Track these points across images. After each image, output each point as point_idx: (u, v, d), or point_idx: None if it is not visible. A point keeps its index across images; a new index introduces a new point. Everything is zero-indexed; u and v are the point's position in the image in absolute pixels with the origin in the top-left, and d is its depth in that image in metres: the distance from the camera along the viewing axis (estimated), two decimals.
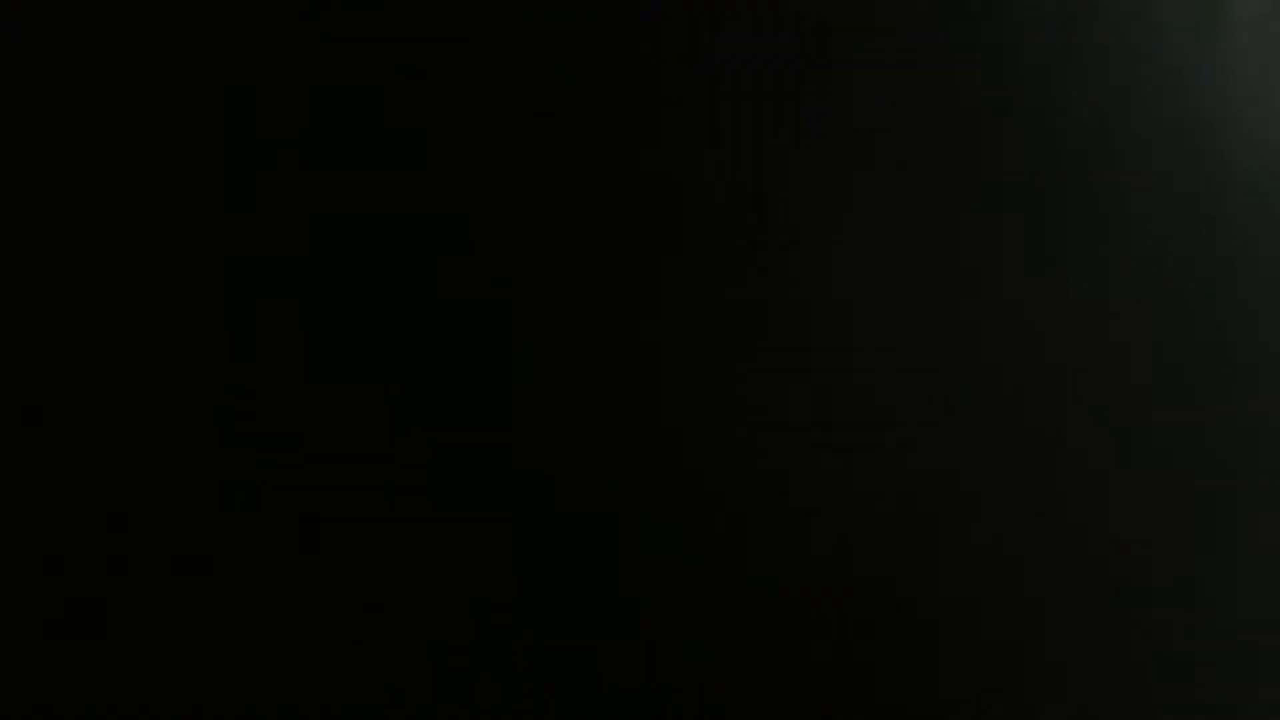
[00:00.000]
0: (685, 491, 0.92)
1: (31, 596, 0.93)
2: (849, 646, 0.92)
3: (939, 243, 0.97)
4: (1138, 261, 0.98)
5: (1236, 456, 0.96)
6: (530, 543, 0.91)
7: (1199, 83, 1.00)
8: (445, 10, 0.93)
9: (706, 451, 0.93)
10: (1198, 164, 1.00)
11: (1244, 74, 1.01)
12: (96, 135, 0.94)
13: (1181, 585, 0.94)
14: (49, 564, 0.93)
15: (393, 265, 0.92)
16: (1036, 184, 0.98)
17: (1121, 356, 0.97)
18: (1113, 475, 0.95)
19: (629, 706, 0.91)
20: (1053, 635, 0.93)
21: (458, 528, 0.92)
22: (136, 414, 0.93)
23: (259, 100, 0.94)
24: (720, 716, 0.91)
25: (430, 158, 0.94)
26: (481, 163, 0.94)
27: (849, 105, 0.98)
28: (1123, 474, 0.95)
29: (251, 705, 0.91)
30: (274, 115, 0.93)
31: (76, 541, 0.93)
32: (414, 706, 0.91)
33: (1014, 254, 0.97)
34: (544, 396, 0.92)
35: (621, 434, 0.92)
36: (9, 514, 0.94)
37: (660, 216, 0.94)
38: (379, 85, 0.93)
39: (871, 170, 0.97)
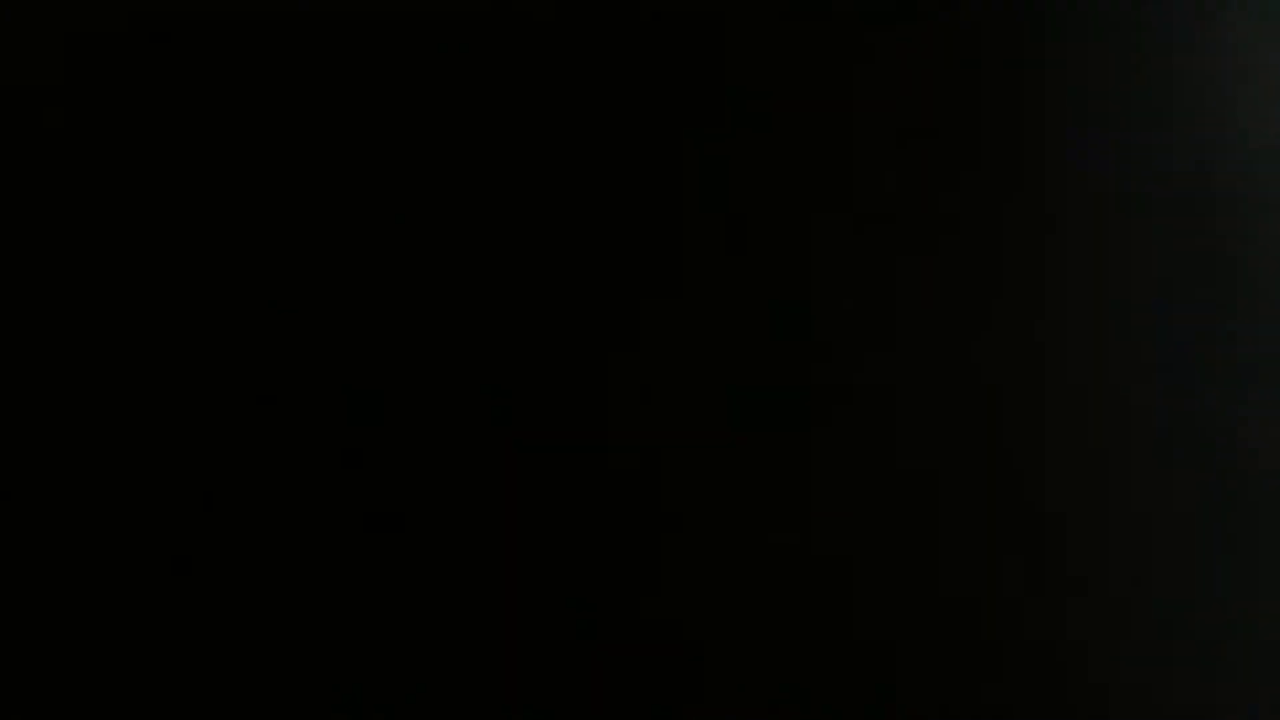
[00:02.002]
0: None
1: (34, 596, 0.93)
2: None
3: (942, 247, 0.97)
4: (1139, 267, 0.98)
5: (1237, 456, 0.95)
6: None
7: (1201, 86, 1.00)
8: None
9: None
10: (1198, 168, 0.99)
11: (1245, 77, 1.00)
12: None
13: (1184, 585, 0.94)
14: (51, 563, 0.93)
15: None
16: (1040, 187, 0.98)
17: (1123, 360, 0.96)
18: (1115, 474, 0.95)
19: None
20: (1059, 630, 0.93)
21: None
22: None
23: None
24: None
25: None
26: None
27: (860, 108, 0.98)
28: (1123, 473, 0.95)
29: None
30: None
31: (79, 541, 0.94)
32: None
33: (1016, 255, 0.97)
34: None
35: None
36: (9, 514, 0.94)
37: None
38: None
39: (879, 175, 0.98)
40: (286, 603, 0.93)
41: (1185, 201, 0.99)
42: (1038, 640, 0.93)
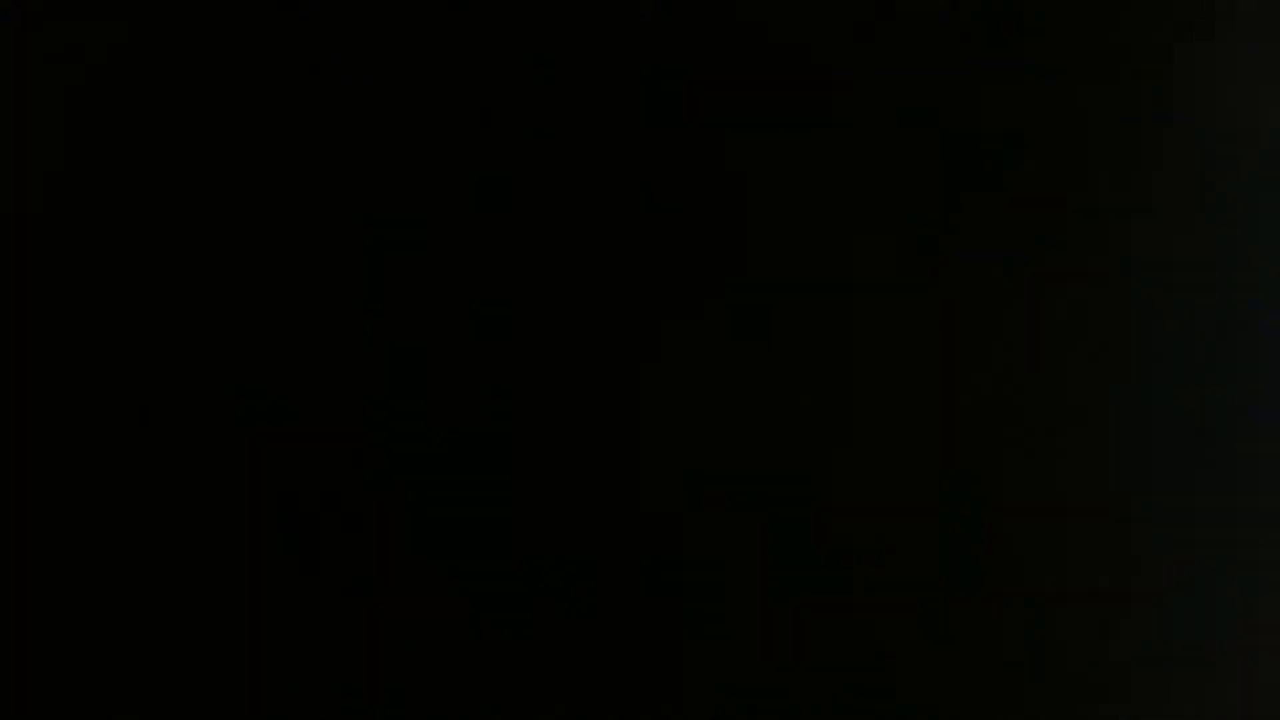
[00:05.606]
0: None
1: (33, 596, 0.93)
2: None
3: (944, 250, 0.97)
4: (1141, 267, 0.98)
5: (1239, 459, 0.96)
6: None
7: (1201, 90, 1.00)
8: None
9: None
10: (1200, 171, 0.99)
11: (1244, 78, 1.01)
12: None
13: (1181, 584, 0.94)
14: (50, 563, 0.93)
15: None
16: (1043, 189, 0.98)
17: (1125, 359, 0.97)
18: (1114, 471, 0.95)
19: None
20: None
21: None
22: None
23: None
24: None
25: None
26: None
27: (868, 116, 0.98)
28: (1123, 470, 0.95)
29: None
30: None
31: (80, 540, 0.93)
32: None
33: (1020, 257, 0.97)
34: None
35: None
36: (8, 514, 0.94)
37: None
38: None
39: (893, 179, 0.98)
40: (284, 602, 0.93)
41: (1185, 201, 0.99)
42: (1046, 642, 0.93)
